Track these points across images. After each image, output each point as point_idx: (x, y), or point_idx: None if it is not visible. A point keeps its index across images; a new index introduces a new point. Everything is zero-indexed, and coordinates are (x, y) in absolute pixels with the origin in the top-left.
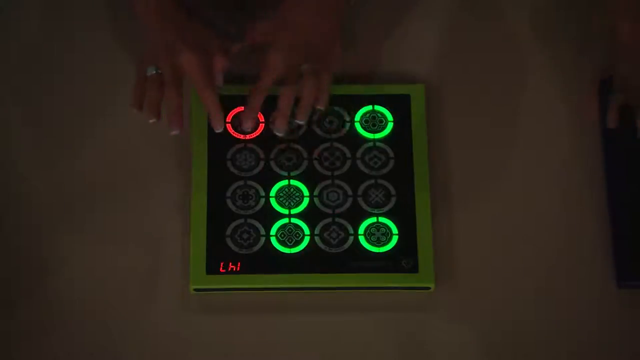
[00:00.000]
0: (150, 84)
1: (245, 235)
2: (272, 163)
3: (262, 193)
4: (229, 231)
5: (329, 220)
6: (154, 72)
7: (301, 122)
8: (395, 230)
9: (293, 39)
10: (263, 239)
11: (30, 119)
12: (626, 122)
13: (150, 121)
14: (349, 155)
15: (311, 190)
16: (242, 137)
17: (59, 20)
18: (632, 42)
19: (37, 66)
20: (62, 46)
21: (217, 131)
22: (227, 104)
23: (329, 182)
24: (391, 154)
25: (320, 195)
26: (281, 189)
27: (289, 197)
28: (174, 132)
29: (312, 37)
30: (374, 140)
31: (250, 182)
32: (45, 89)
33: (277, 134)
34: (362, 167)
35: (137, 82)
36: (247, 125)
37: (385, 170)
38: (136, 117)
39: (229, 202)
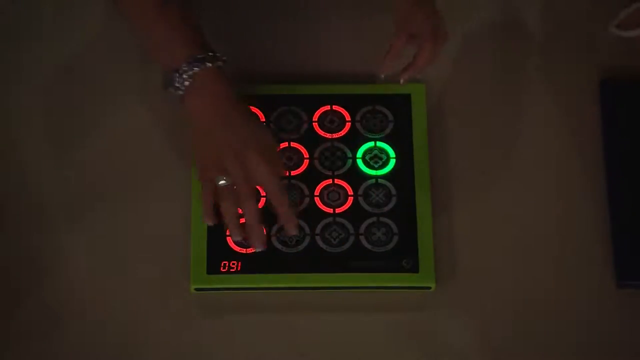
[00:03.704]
0: (224, 195)
1: None
2: None
3: (263, 193)
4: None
5: (330, 219)
6: (224, 181)
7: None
8: (395, 230)
9: None
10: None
11: (30, 119)
12: (626, 121)
13: (235, 239)
14: (349, 154)
15: (312, 190)
16: None
17: (61, 20)
18: None
19: (37, 66)
20: (62, 46)
21: (292, 234)
22: None
23: (329, 181)
24: (392, 154)
25: (320, 195)
26: None
27: (290, 196)
28: (260, 249)
29: None
30: (375, 139)
31: None
32: (46, 89)
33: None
34: (362, 167)
35: (205, 193)
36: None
37: (385, 170)
38: (135, 118)
39: None
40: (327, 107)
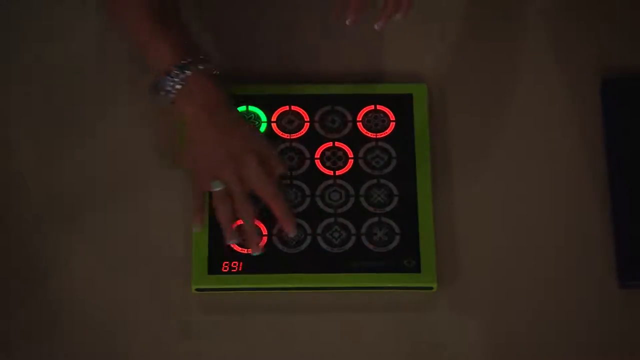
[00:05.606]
0: (219, 200)
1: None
2: None
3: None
4: None
5: (331, 220)
6: (220, 187)
7: (378, 28)
8: (397, 229)
9: None
10: (265, 239)
11: (30, 119)
12: (628, 120)
13: (231, 242)
14: (351, 154)
15: (313, 190)
16: None
17: (59, 20)
18: None
19: (36, 66)
20: (61, 46)
21: (291, 236)
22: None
23: (331, 181)
24: (393, 154)
25: (322, 195)
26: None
27: (287, 196)
28: (257, 253)
29: None
30: (376, 139)
31: None
32: (45, 88)
33: None
34: (364, 167)
35: (197, 197)
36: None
37: (387, 170)
38: (135, 118)
39: None
40: (329, 107)
